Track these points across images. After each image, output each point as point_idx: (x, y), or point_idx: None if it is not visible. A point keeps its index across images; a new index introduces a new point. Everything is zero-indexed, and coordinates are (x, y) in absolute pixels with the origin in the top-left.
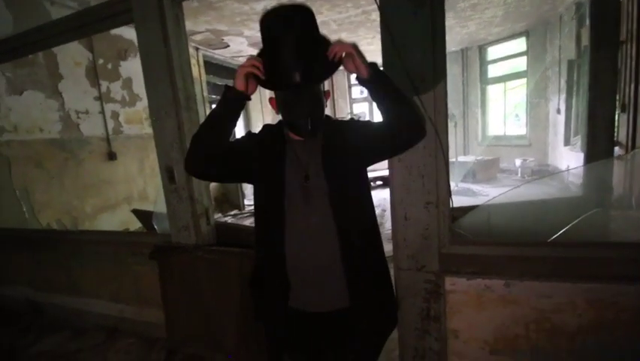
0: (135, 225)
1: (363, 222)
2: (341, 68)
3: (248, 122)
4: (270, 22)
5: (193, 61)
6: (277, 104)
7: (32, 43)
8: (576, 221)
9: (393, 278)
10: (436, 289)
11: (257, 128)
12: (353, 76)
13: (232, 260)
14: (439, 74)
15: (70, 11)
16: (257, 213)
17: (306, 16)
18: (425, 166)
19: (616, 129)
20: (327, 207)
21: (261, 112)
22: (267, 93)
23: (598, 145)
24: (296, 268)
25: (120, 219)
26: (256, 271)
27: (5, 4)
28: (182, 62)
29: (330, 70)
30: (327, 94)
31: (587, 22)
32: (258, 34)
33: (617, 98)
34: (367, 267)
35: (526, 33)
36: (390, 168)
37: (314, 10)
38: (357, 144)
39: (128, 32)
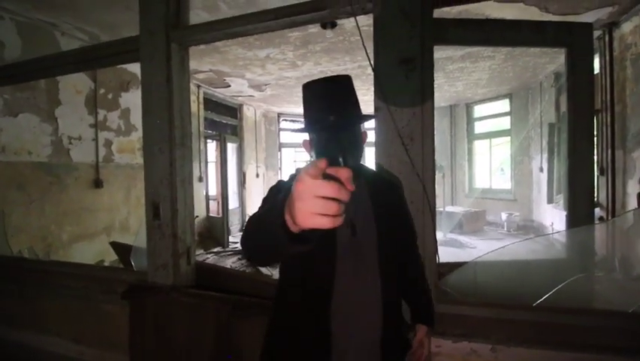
0: (112, 257)
1: (403, 280)
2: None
3: (240, 159)
4: (312, 83)
5: (193, 97)
6: (311, 145)
7: (36, 71)
8: (560, 286)
9: None
10: None
11: (250, 165)
12: None
13: (210, 305)
14: (427, 134)
15: (79, 43)
16: (290, 278)
17: (346, 80)
18: (413, 220)
19: (596, 191)
20: (375, 258)
21: (254, 150)
22: (264, 131)
23: (579, 209)
24: (339, 340)
25: (97, 250)
26: (273, 344)
27: (17, 30)
28: (183, 101)
29: (365, 117)
30: (364, 135)
31: (565, 91)
32: (259, 78)
33: (596, 161)
34: (398, 330)
35: (509, 95)
36: None
37: (313, 60)
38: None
39: (133, 65)
